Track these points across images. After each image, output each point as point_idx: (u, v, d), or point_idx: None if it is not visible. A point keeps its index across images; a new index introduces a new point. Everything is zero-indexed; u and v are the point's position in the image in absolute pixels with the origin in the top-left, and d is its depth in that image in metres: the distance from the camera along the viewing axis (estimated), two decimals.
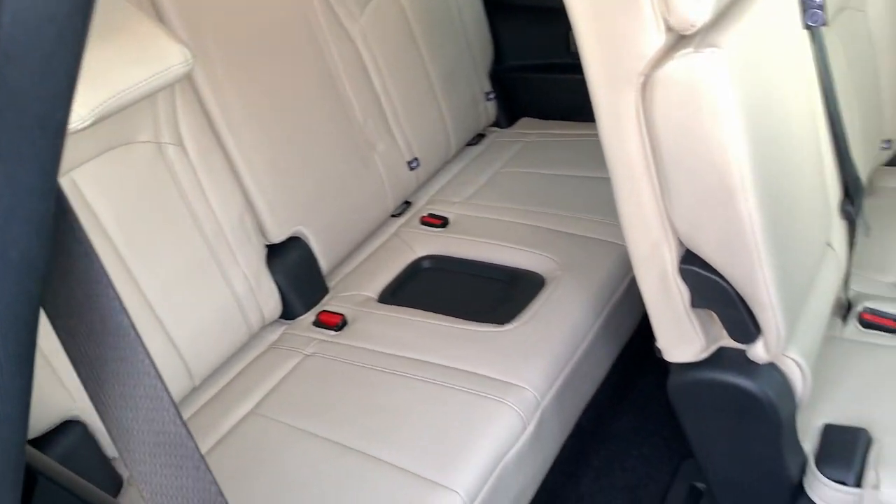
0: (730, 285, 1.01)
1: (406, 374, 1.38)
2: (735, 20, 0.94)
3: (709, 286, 1.02)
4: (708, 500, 1.44)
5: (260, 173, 1.52)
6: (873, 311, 1.33)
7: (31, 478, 0.48)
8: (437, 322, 1.50)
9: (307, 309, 1.62)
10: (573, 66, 2.19)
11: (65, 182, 1.22)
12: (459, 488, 1.15)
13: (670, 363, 1.15)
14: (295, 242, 1.60)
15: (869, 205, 1.41)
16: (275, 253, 1.57)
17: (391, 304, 1.61)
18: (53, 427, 1.19)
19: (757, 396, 1.07)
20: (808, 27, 1.14)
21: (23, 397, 0.36)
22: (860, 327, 1.32)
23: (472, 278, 1.67)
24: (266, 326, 1.57)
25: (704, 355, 1.10)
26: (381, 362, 1.42)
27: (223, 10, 1.50)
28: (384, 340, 1.47)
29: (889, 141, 1.65)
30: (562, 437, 1.40)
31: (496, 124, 2.24)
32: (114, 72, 1.16)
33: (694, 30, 0.88)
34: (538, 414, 1.30)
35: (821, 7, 1.13)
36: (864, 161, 1.45)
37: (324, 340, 1.52)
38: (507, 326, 1.44)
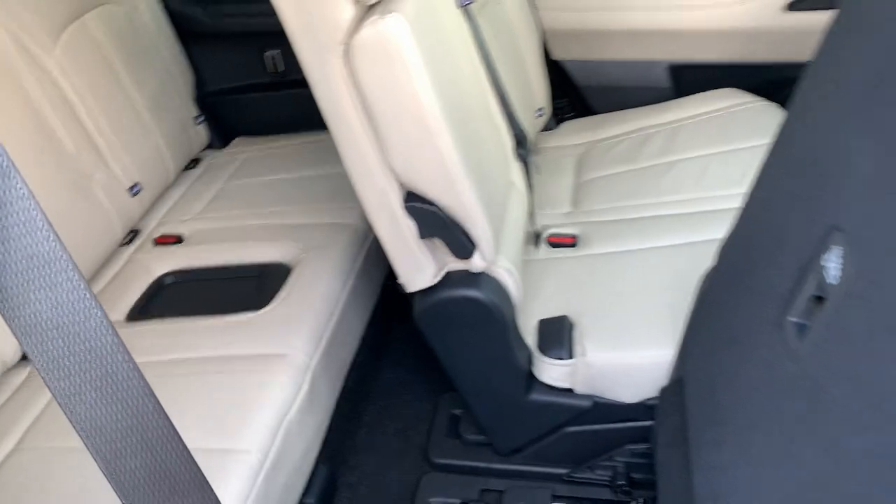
0: (446, 213, 1.24)
1: (180, 374, 1.41)
2: None
3: (430, 217, 1.24)
4: (465, 421, 1.68)
5: None
6: (556, 234, 1.68)
7: None
8: (197, 322, 1.56)
9: None
10: (274, 84, 2.37)
11: None
12: (251, 446, 1.24)
13: (413, 295, 1.36)
14: None
15: (537, 161, 1.77)
16: None
17: (143, 320, 1.63)
18: None
19: (482, 301, 1.32)
20: (463, 7, 1.43)
21: None
22: (549, 248, 1.66)
23: (221, 282, 1.75)
24: (11, 369, 1.50)
25: (438, 279, 1.33)
26: (153, 371, 1.43)
27: None
28: (151, 350, 1.49)
29: (541, 109, 2.05)
30: (333, 395, 1.54)
31: (210, 146, 2.32)
32: None
33: (375, 0, 1.09)
34: (309, 375, 1.43)
35: None
36: (527, 124, 1.81)
37: None
38: (265, 309, 1.55)
